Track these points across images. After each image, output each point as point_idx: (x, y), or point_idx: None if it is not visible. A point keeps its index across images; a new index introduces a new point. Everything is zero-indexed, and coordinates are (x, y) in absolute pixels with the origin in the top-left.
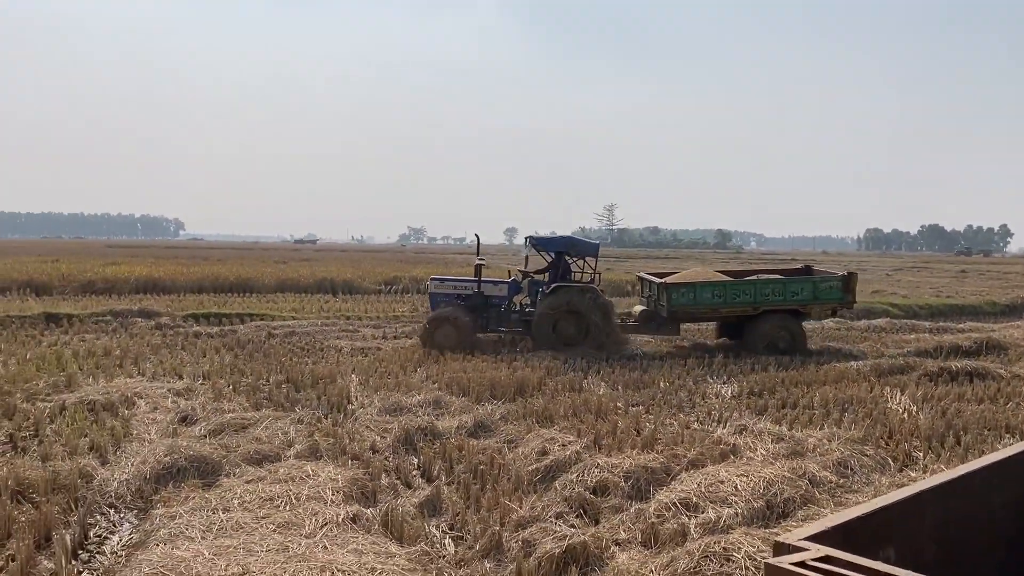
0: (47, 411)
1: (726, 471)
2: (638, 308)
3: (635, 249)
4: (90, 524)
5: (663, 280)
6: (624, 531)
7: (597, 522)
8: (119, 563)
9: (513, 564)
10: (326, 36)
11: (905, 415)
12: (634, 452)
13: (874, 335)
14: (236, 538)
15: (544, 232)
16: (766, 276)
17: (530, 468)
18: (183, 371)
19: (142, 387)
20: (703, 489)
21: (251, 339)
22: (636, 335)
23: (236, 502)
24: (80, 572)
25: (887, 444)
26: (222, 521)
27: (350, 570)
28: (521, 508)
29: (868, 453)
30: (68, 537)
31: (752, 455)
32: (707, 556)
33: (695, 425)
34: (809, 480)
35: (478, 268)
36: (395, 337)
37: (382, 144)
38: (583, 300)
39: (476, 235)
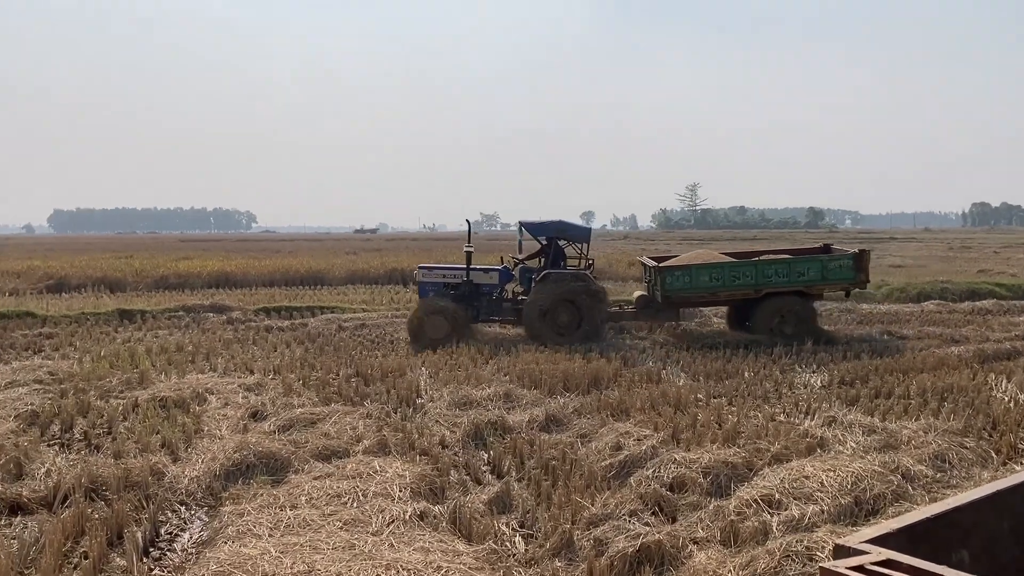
0: (120, 408)
1: (812, 466)
2: (637, 294)
3: (720, 231)
4: (161, 521)
5: (657, 263)
6: (702, 529)
7: (674, 520)
8: (189, 561)
9: (584, 563)
10: (388, 24)
11: (1011, 404)
12: (714, 446)
13: (979, 318)
14: (303, 535)
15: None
16: (770, 256)
17: (604, 464)
18: (254, 366)
19: (213, 383)
20: (787, 485)
21: (321, 332)
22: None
23: (303, 499)
24: (151, 570)
25: (990, 436)
26: (289, 518)
27: (415, 568)
28: (593, 505)
29: (968, 445)
30: (139, 535)
31: (841, 448)
32: (789, 556)
33: (780, 417)
34: (902, 475)
35: (468, 256)
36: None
37: (453, 130)
38: (575, 287)
39: (467, 221)
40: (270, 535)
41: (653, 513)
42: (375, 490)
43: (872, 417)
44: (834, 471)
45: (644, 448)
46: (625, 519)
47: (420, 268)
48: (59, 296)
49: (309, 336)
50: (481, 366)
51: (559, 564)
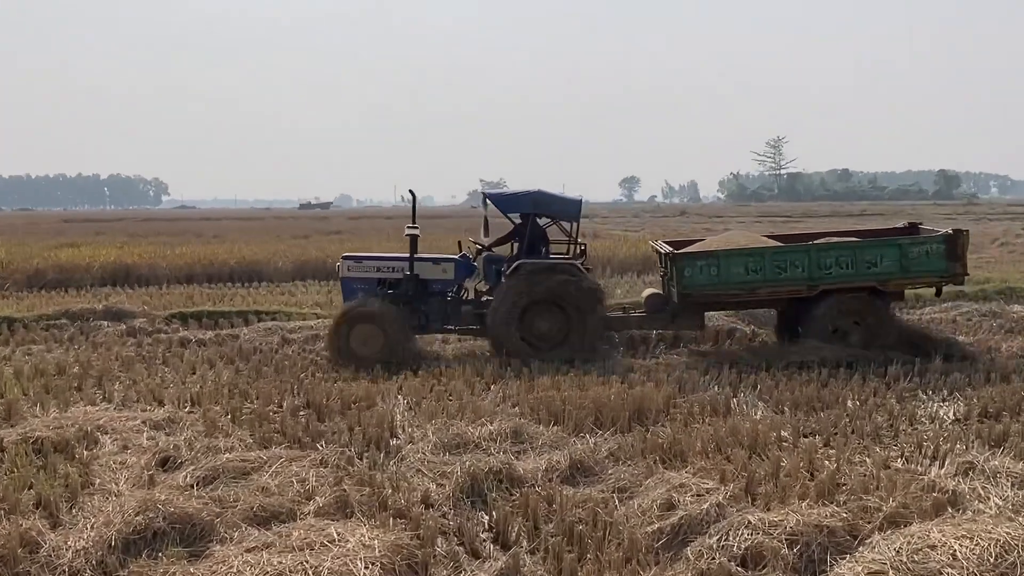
0: None
1: (941, 531)
2: (647, 292)
3: (813, 203)
4: None
5: (674, 250)
6: None
7: None
8: None
9: None
10: None
11: None
12: (804, 504)
13: None
14: None
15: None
16: (831, 239)
17: (650, 528)
18: (164, 394)
19: (108, 418)
20: (905, 558)
21: (258, 347)
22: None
23: None
24: None
25: None
26: None
27: None
28: None
29: None
30: None
31: (981, 507)
32: None
33: (897, 463)
34: None
35: (412, 241)
36: (459, 340)
37: (445, 77)
38: (560, 283)
39: (411, 191)
40: None
41: None
42: (331, 566)
43: None
44: (972, 538)
45: (706, 507)
46: None
47: (345, 259)
48: None
49: (241, 353)
50: (480, 393)
51: None
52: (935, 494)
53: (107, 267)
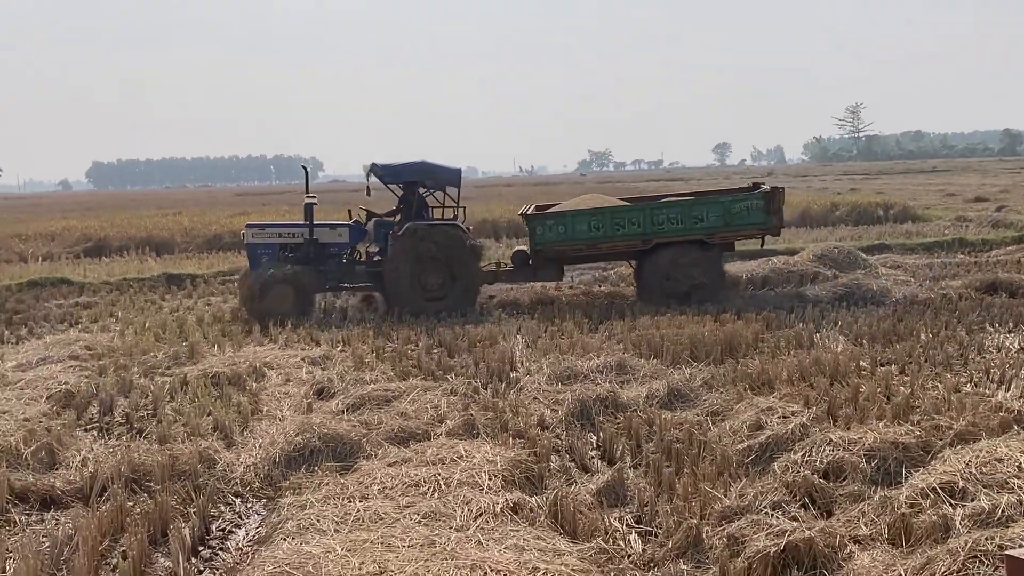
0: (166, 387)
1: (1007, 446)
2: (516, 250)
3: (889, 162)
4: (212, 516)
5: (527, 211)
6: (865, 525)
7: (829, 514)
8: (244, 561)
9: (716, 566)
10: None
11: None
12: (881, 424)
13: None
14: (374, 531)
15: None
16: (666, 199)
17: (740, 446)
18: (320, 336)
19: (273, 356)
20: (974, 470)
21: None
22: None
23: (376, 488)
24: (200, 571)
25: None
26: (359, 511)
27: (507, 570)
28: (727, 496)
29: None
30: (187, 531)
31: None
32: (975, 556)
33: (967, 388)
34: None
35: (308, 208)
36: (570, 287)
37: (550, 62)
38: (448, 242)
39: (304, 167)
40: (336, 531)
41: (802, 505)
42: (460, 478)
43: None
44: None
45: (791, 427)
46: (767, 513)
47: (249, 227)
48: (98, 260)
49: (383, 299)
50: (588, 332)
51: (684, 567)
52: (1002, 414)
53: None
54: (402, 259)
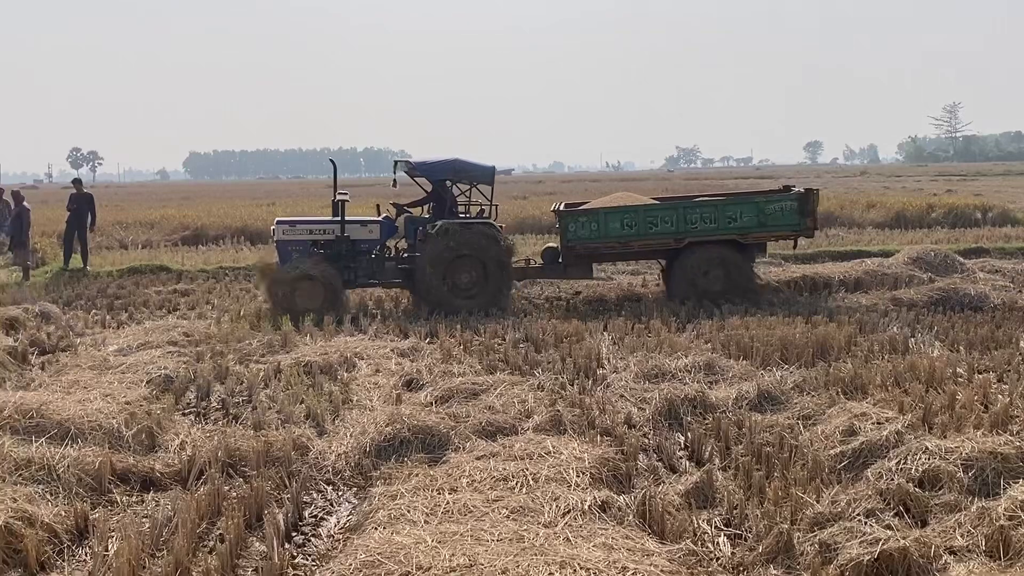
0: (261, 374)
1: None
2: (545, 247)
3: (987, 163)
4: (305, 503)
5: (560, 207)
6: (961, 536)
7: (924, 523)
8: (335, 548)
9: (807, 573)
10: None
11: None
12: (978, 433)
13: None
14: (463, 523)
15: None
16: (700, 198)
17: (832, 452)
18: (408, 328)
19: (363, 347)
20: None
21: None
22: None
23: (464, 481)
24: (294, 557)
25: None
26: (448, 503)
27: (596, 568)
28: (819, 502)
29: None
30: (281, 517)
31: None
32: None
33: None
34: None
35: (340, 205)
36: (657, 284)
37: (638, 56)
38: (483, 240)
39: (332, 161)
40: (426, 521)
41: (897, 514)
42: (547, 474)
43: None
44: None
45: (885, 433)
46: (860, 520)
47: (278, 223)
48: (195, 248)
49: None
50: (676, 331)
51: (775, 572)
52: None
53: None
54: (435, 257)
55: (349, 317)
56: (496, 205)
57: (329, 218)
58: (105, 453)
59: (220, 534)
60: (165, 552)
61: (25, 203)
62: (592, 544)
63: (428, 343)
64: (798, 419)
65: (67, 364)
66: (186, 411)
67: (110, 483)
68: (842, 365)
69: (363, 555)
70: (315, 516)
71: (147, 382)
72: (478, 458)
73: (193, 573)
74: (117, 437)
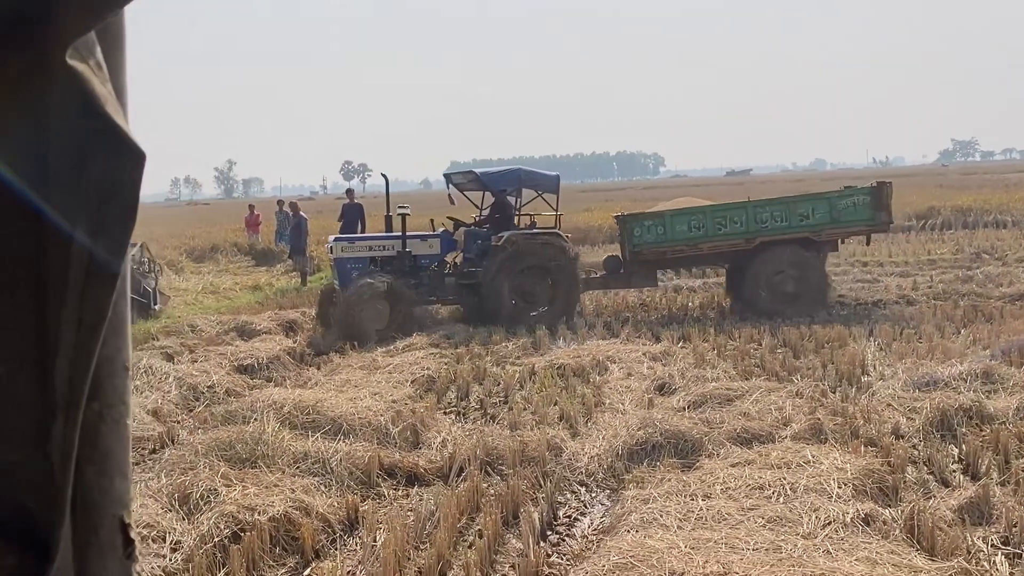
0: (516, 376)
1: None
2: (607, 256)
3: None
4: (559, 503)
5: (623, 212)
6: None
7: None
8: (589, 549)
9: None
10: None
11: None
12: None
13: None
14: (717, 531)
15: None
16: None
17: None
18: (660, 332)
19: (615, 350)
20: None
21: None
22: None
23: (718, 488)
24: (548, 556)
25: None
26: (701, 510)
27: None
28: None
29: None
30: (536, 515)
31: None
32: None
33: None
34: None
35: (402, 220)
36: (929, 287)
37: (909, 40)
38: (549, 251)
39: (384, 175)
40: (679, 527)
41: None
42: (807, 484)
43: None
44: None
45: None
46: None
47: (335, 240)
48: None
49: (725, 295)
50: (950, 336)
51: None
52: None
53: (616, 227)
54: (502, 269)
55: (601, 321)
56: (560, 214)
57: (389, 234)
58: (374, 448)
59: (479, 530)
60: (428, 545)
61: (302, 213)
62: (854, 558)
63: (680, 347)
64: None
65: (339, 364)
66: (447, 410)
67: (378, 477)
68: None
69: (616, 557)
70: (569, 516)
71: (411, 382)
72: (732, 465)
73: (454, 566)
74: (384, 433)
